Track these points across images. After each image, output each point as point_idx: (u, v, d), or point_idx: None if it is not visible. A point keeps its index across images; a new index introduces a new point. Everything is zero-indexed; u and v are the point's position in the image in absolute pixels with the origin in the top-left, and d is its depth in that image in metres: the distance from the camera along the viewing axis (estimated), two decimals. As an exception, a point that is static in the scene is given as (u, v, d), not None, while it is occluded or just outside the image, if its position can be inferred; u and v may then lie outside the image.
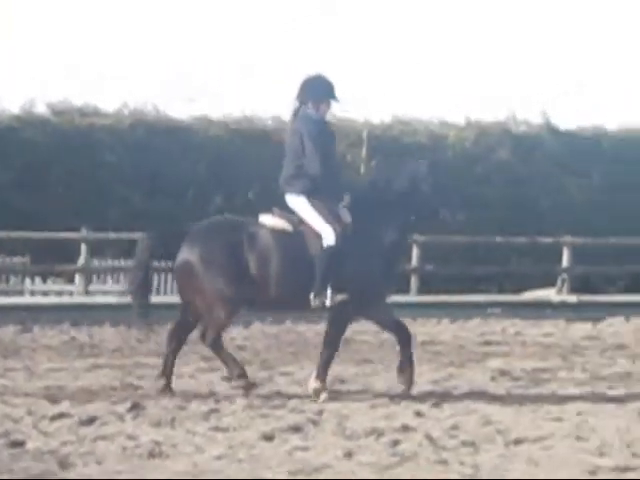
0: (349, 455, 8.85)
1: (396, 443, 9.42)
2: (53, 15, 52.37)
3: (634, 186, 24.34)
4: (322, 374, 11.83)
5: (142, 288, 12.26)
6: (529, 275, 22.64)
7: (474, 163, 23.57)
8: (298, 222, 11.73)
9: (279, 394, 12.10)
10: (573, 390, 12.74)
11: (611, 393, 12.57)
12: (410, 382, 11.99)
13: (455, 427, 10.25)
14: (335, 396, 11.91)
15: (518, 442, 9.63)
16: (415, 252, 21.50)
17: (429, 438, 9.63)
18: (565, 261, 22.21)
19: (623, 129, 25.85)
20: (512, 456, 9.07)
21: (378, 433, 9.82)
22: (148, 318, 12.42)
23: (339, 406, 11.31)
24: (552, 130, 24.77)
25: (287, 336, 17.47)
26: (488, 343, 17.01)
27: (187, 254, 11.70)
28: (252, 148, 23.85)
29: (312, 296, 11.53)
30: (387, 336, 17.16)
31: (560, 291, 22.09)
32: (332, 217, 11.62)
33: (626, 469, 8.66)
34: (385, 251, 11.87)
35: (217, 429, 10.05)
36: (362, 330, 18.08)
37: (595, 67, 48.59)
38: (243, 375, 11.71)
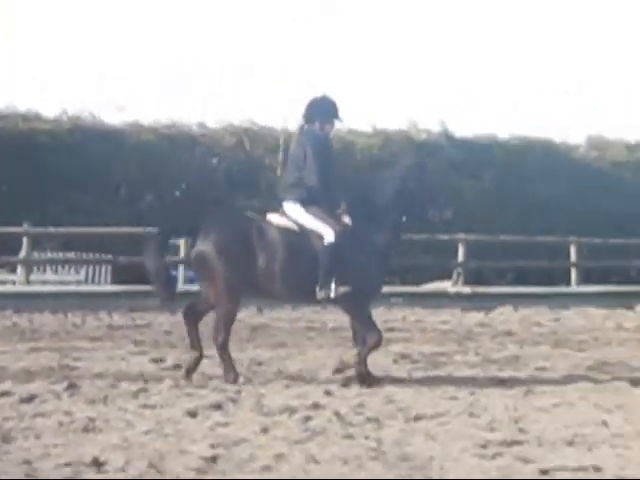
0: (265, 430, 9.07)
1: (307, 419, 9.63)
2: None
3: (520, 188, 24.54)
4: (365, 356, 11.97)
5: (166, 286, 12.17)
6: (428, 268, 22.80)
7: (380, 168, 23.68)
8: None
9: (202, 375, 12.20)
10: (467, 372, 12.95)
11: (501, 375, 12.78)
12: (353, 361, 11.99)
13: (361, 405, 10.44)
14: (252, 377, 12.04)
15: (417, 418, 9.85)
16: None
17: (337, 415, 9.84)
18: (460, 256, 22.41)
19: (512, 137, 26.07)
20: (412, 431, 9.31)
21: (291, 410, 10.00)
22: (173, 307, 12.56)
23: (256, 386, 11.44)
24: (449, 138, 24.93)
25: (209, 322, 17.53)
26: (391, 329, 17.12)
27: (202, 245, 11.71)
28: (179, 151, 23.83)
29: (318, 289, 11.61)
30: (301, 323, 17.36)
31: (456, 283, 22.28)
32: (330, 219, 11.68)
33: (513, 443, 8.91)
34: (380, 249, 11.98)
35: (146, 406, 10.20)
36: (277, 317, 18.22)
37: (489, 82, 48.99)
38: (235, 380, 11.70)
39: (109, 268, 23.13)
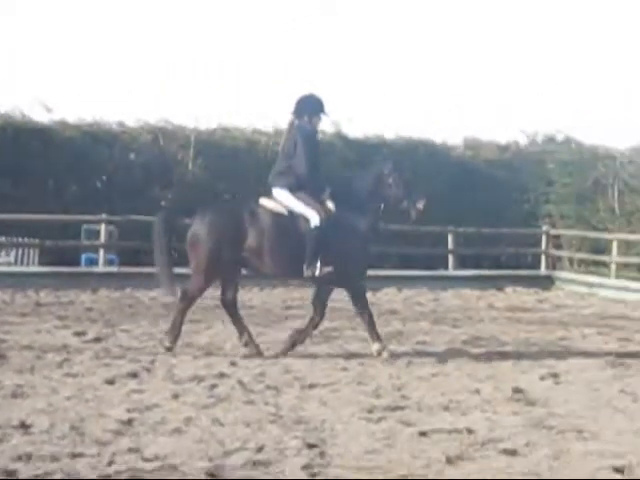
0: (175, 396, 9.19)
1: (213, 387, 9.72)
2: None
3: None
4: (375, 336, 12.04)
5: (167, 267, 12.01)
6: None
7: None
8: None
9: (120, 347, 12.16)
10: (356, 345, 12.99)
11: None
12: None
13: (262, 374, 10.49)
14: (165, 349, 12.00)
15: (312, 386, 9.93)
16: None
17: (240, 383, 9.92)
18: (543, 245, 22.49)
19: (398, 137, 26.21)
20: (307, 398, 9.40)
21: (199, 379, 10.07)
22: (173, 287, 12.05)
23: (168, 357, 11.42)
24: (342, 138, 24.99)
25: (127, 300, 17.40)
26: (289, 307, 17.19)
27: (197, 226, 11.69)
28: (100, 147, 23.60)
29: (305, 267, 11.65)
30: (208, 301, 17.31)
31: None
32: (316, 204, 11.70)
33: (396, 408, 9.02)
34: (361, 233, 12.05)
35: (68, 375, 10.22)
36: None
37: (379, 86, 48.95)
38: (249, 341, 12.01)
39: (37, 251, 22.78)
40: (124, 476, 6.31)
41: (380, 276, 21.89)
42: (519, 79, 50.59)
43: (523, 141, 27.50)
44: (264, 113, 27.24)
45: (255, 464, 6.82)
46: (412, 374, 10.94)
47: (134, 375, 10.18)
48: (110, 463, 6.64)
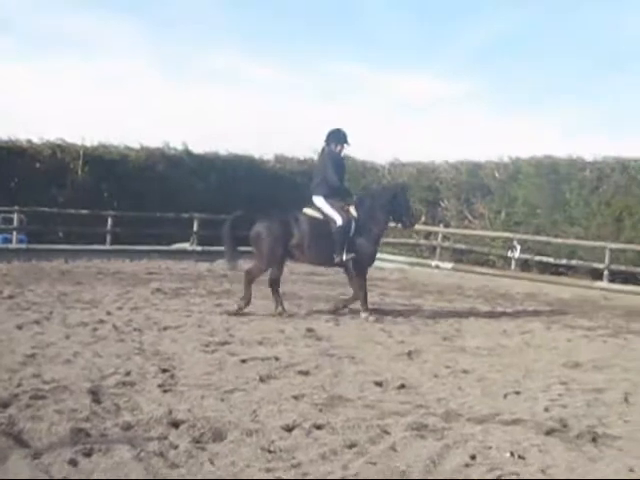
0: (67, 337, 9.17)
1: (95, 330, 9.65)
2: None
3: (233, 187, 24.54)
4: (366, 307, 11.97)
5: (231, 250, 12.20)
6: (175, 235, 22.56)
7: (143, 172, 23.30)
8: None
9: (27, 302, 11.77)
10: (198, 300, 12.93)
11: (219, 301, 12.82)
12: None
13: (130, 321, 10.41)
14: (59, 303, 11.72)
15: (166, 328, 9.91)
16: (109, 221, 21.20)
17: (115, 326, 9.87)
18: (195, 227, 22.37)
19: (229, 154, 26.16)
20: (162, 337, 9.42)
21: (84, 324, 10.01)
22: (235, 263, 12.44)
23: (62, 309, 11.17)
24: (189, 153, 24.81)
25: (33, 269, 16.83)
26: (151, 273, 16.95)
27: (258, 227, 11.84)
28: (13, 157, 22.69)
29: (335, 255, 11.78)
30: (93, 269, 16.94)
31: (192, 244, 22.21)
32: (341, 210, 11.84)
33: (225, 343, 9.12)
34: (374, 234, 12.17)
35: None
36: (77, 265, 17.73)
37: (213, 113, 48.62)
38: (282, 311, 11.80)
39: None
40: (29, 395, 6.22)
41: (216, 251, 21.83)
42: (312, 110, 51.14)
43: (316, 157, 27.76)
44: (134, 134, 27.13)
45: (124, 384, 6.84)
46: (237, 319, 10.97)
47: (37, 322, 9.90)
48: (18, 385, 6.57)
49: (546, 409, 6.66)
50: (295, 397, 6.62)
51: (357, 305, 12.05)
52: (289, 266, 20.19)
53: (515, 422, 6.15)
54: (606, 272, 17.98)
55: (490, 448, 5.44)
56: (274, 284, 11.96)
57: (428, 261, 21.71)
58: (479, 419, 6.19)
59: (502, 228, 21.15)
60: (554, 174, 20.28)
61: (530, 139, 43.68)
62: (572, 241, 19.21)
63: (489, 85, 54.19)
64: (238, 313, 11.51)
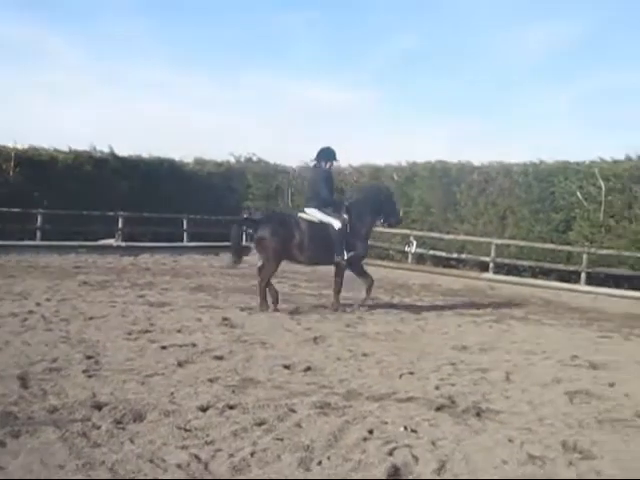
0: None
1: (25, 320, 9.39)
2: None
3: (155, 186, 24.19)
4: (337, 298, 12.09)
5: (237, 251, 12.13)
6: (101, 231, 22.16)
7: (71, 173, 22.78)
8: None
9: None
10: (122, 291, 12.73)
11: (141, 293, 12.65)
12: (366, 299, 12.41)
13: (57, 311, 10.22)
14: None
15: (92, 318, 9.76)
16: (39, 219, 20.68)
17: (43, 317, 9.66)
18: (119, 224, 22.06)
19: (151, 157, 25.75)
20: (87, 326, 9.27)
21: (14, 315, 9.71)
22: (239, 261, 12.22)
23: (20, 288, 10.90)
24: (114, 155, 24.37)
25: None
26: (78, 267, 16.61)
27: (262, 232, 11.74)
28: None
29: (336, 255, 11.83)
30: (24, 263, 16.49)
31: (117, 240, 21.88)
32: (336, 215, 11.88)
33: (147, 331, 9.05)
34: (364, 233, 12.23)
35: None
36: (8, 259, 17.26)
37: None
38: (265, 309, 11.55)
39: None
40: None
41: (139, 246, 21.58)
42: (231, 117, 50.91)
43: (232, 160, 27.62)
44: (64, 137, 26.61)
45: (51, 370, 6.69)
46: (158, 309, 10.82)
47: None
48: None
49: (437, 387, 6.78)
50: (210, 380, 6.58)
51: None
52: (207, 261, 20.29)
53: (409, 399, 6.24)
54: (492, 264, 18.37)
55: (386, 423, 5.50)
56: (263, 282, 11.80)
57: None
58: (377, 397, 6.26)
59: (400, 225, 21.39)
60: (446, 177, 20.60)
61: (426, 146, 44.30)
62: (462, 237, 19.57)
63: (391, 96, 54.79)
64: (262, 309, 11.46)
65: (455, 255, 19.53)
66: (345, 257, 11.88)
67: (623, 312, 13.68)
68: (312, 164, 12.69)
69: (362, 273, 12.38)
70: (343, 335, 9.52)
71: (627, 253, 15.97)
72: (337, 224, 11.83)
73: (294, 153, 42.47)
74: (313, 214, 11.97)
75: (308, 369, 7.28)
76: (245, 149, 29.53)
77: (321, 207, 12.00)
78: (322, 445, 4.91)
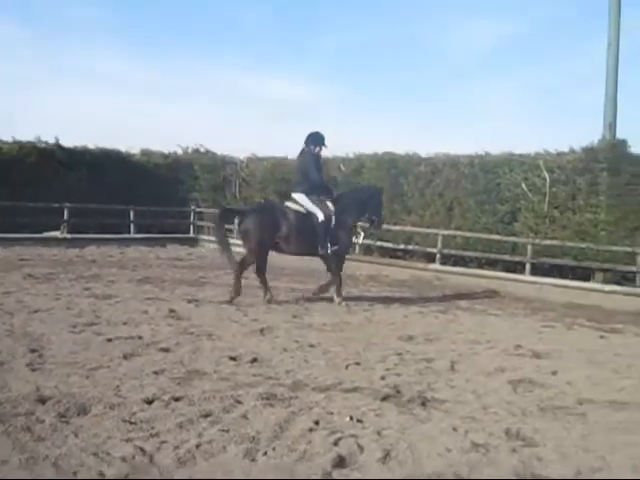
0: None
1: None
2: None
3: (109, 176, 23.76)
4: (339, 293, 12.06)
5: (223, 242, 12.15)
6: (47, 223, 21.74)
7: (16, 164, 22.31)
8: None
9: None
10: (68, 284, 12.59)
11: (88, 285, 12.52)
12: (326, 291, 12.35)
13: (1, 304, 10.10)
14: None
15: (36, 311, 9.80)
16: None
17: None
18: (65, 215, 21.69)
19: (97, 148, 25.36)
20: (32, 319, 9.27)
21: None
22: (231, 259, 11.96)
23: None
24: (60, 147, 23.93)
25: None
26: (23, 259, 16.36)
27: (247, 223, 11.84)
28: None
29: (320, 248, 11.83)
30: None
31: (62, 232, 21.53)
32: (322, 205, 11.89)
33: (92, 324, 8.93)
34: (348, 227, 12.21)
35: None
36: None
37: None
38: (271, 298, 11.79)
39: None
40: None
41: (84, 238, 21.31)
42: (181, 110, 50.47)
43: (179, 151, 27.34)
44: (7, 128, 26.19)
45: (-7, 364, 6.59)
46: (104, 302, 10.72)
47: None
48: None
49: (382, 377, 6.84)
50: (156, 372, 6.55)
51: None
52: (154, 252, 20.13)
53: (355, 390, 6.29)
54: (438, 255, 18.49)
55: (332, 414, 5.54)
56: (260, 273, 11.93)
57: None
58: (323, 388, 6.30)
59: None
60: (393, 168, 20.65)
61: (374, 137, 44.44)
62: (409, 228, 19.66)
63: (341, 89, 54.75)
64: (231, 302, 11.34)
65: (402, 246, 19.62)
66: (328, 250, 11.92)
67: (566, 302, 13.94)
68: (300, 149, 12.50)
69: (336, 269, 12.26)
70: (290, 326, 9.54)
71: (571, 244, 16.21)
72: (320, 216, 11.85)
73: (244, 146, 42.29)
74: (301, 200, 12.00)
75: (254, 360, 7.29)
76: (193, 140, 29.11)
77: (309, 192, 12.02)
78: (268, 436, 4.92)
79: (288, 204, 12.11)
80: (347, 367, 7.24)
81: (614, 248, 15.58)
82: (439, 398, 6.18)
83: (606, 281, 15.79)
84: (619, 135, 16.93)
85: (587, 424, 5.70)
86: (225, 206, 12.61)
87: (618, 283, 15.54)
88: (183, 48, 54.01)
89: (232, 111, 52.92)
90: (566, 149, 17.56)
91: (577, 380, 7.20)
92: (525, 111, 50.06)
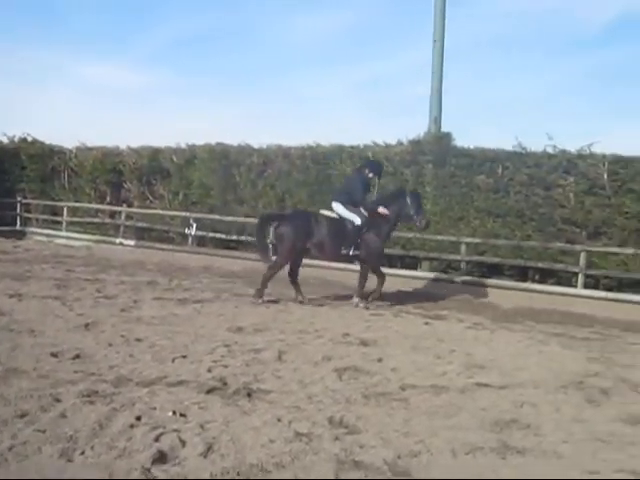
0: None
1: None
2: None
3: None
4: (360, 293, 12.39)
5: (263, 245, 13.32)
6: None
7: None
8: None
9: None
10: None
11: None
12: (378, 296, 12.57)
13: None
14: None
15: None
16: None
17: None
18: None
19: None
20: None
21: None
22: (269, 258, 12.79)
23: None
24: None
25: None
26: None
27: (284, 227, 12.18)
28: None
29: (343, 249, 12.11)
30: None
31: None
32: (358, 211, 12.16)
33: None
34: (385, 232, 12.47)
35: None
36: None
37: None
38: (303, 299, 12.36)
39: None
40: None
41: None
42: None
43: (5, 140, 25.98)
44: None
45: None
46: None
47: None
48: None
49: (209, 370, 6.83)
50: (-32, 373, 6.24)
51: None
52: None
53: (180, 383, 6.24)
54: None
55: (155, 409, 5.47)
56: (293, 276, 12.47)
57: (113, 239, 21.50)
58: (147, 383, 6.21)
59: (180, 208, 21.24)
60: (226, 159, 20.58)
61: (208, 127, 44.00)
62: (242, 219, 19.68)
63: (171, 78, 53.98)
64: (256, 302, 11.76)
65: (235, 237, 19.64)
66: (350, 253, 12.22)
67: (395, 290, 14.38)
68: (357, 168, 13.13)
69: (378, 272, 12.54)
70: (117, 320, 9.34)
71: (399, 234, 16.75)
72: (358, 220, 12.14)
73: (72, 134, 40.82)
74: (336, 209, 12.34)
75: (77, 357, 7.09)
76: (20, 129, 28.04)
77: (347, 203, 12.28)
78: (86, 434, 4.79)
79: (322, 212, 12.58)
80: (173, 360, 7.16)
81: (439, 237, 16.26)
82: (265, 389, 6.24)
83: (432, 269, 16.46)
84: (444, 128, 17.58)
85: (409, 409, 5.91)
86: (264, 212, 12.77)
87: (444, 271, 16.23)
88: (5, 29, 51.49)
89: (62, 99, 51.03)
90: (394, 141, 18.10)
91: (401, 366, 7.47)
92: (358, 104, 51.24)
